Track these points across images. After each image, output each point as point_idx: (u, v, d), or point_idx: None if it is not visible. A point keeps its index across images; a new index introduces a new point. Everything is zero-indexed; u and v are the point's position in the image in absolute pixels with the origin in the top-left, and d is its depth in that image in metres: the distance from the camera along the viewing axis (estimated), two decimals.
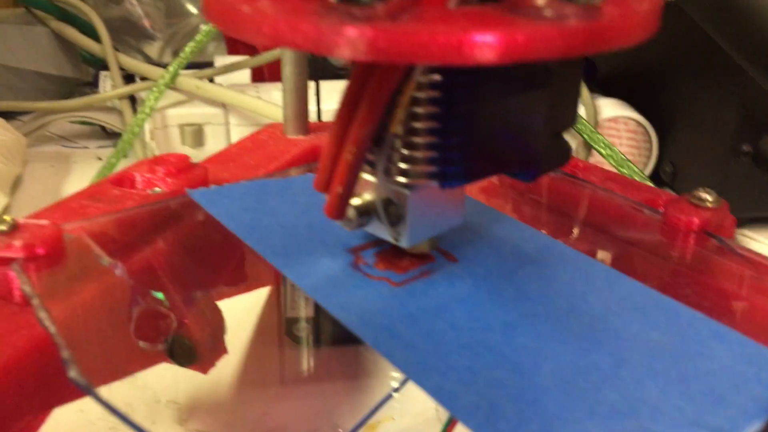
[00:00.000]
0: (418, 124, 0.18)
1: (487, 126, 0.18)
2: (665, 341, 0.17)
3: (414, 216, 0.19)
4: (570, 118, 0.20)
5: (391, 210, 0.19)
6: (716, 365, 0.17)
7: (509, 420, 0.14)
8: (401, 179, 0.19)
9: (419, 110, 0.18)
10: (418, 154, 0.18)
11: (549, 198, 0.27)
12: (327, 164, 0.18)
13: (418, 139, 0.18)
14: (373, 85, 0.16)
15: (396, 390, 0.28)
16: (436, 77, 0.17)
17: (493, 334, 0.18)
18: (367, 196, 0.19)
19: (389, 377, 0.31)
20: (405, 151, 0.18)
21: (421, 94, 0.17)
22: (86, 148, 0.57)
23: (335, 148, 0.17)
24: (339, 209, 0.18)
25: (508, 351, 0.17)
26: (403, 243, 0.19)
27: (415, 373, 0.16)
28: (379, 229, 0.20)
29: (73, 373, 0.16)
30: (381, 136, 0.18)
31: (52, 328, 0.18)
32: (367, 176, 0.19)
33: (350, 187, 0.18)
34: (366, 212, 0.19)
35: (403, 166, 0.18)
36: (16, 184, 0.49)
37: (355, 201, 0.19)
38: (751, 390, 0.16)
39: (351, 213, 0.19)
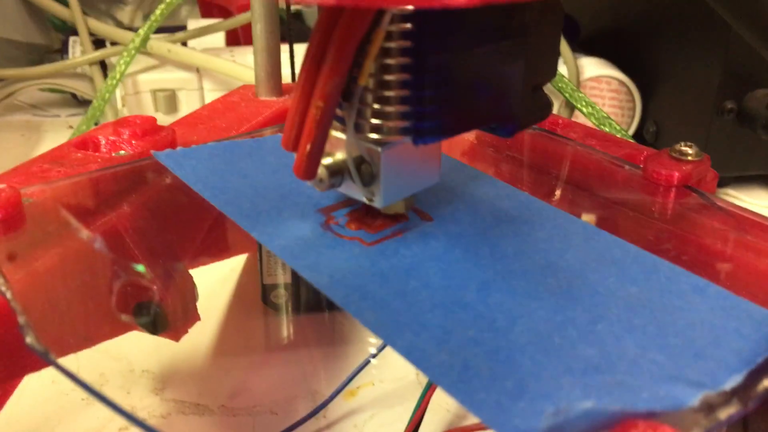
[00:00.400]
0: (389, 77, 0.17)
1: (462, 78, 0.17)
2: (644, 296, 0.17)
3: (388, 174, 0.18)
4: (550, 71, 0.19)
5: (363, 169, 0.18)
6: (696, 319, 0.16)
7: (483, 378, 0.14)
8: (373, 135, 0.18)
9: (390, 61, 0.17)
10: (390, 109, 0.17)
11: (528, 155, 0.27)
12: (294, 121, 0.17)
13: (389, 93, 0.17)
14: (339, 33, 0.15)
15: (374, 355, 0.28)
16: (407, 26, 0.16)
17: (467, 293, 0.17)
18: (339, 155, 0.18)
19: (368, 343, 0.31)
20: (376, 106, 0.17)
21: (392, 44, 0.16)
22: (57, 116, 0.56)
23: (302, 103, 0.16)
24: (308, 169, 0.17)
25: (482, 309, 0.16)
26: (378, 203, 0.19)
27: (386, 332, 0.15)
28: (353, 190, 0.19)
29: (29, 339, 0.15)
30: (351, 90, 0.17)
31: (8, 294, 0.17)
32: (337, 134, 0.18)
33: (319, 144, 0.17)
34: (338, 172, 0.18)
35: (374, 121, 0.17)
36: None
37: (326, 160, 0.18)
38: (732, 343, 0.15)
39: (322, 173, 0.18)
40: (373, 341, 0.31)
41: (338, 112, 0.18)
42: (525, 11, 0.18)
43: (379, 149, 0.18)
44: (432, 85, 0.17)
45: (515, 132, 0.19)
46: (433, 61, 0.17)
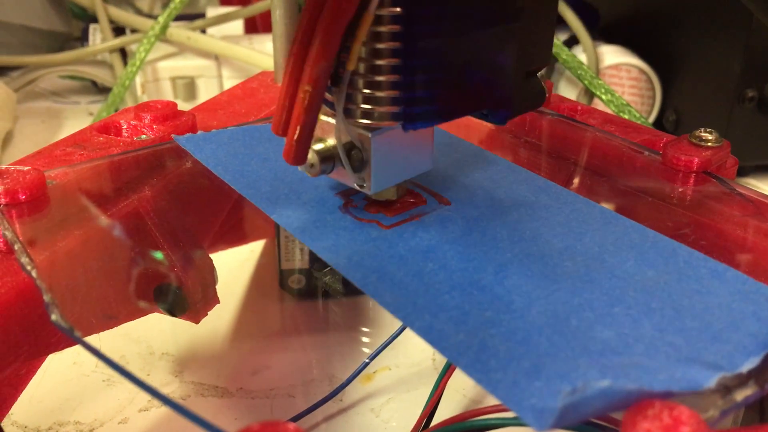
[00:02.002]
0: (378, 61, 0.17)
1: (453, 63, 0.17)
2: (662, 279, 0.17)
3: (378, 160, 0.18)
4: (544, 58, 0.19)
5: (354, 154, 0.18)
6: (713, 303, 0.16)
7: (500, 358, 0.14)
8: (363, 121, 0.18)
9: (380, 46, 0.17)
10: (380, 94, 0.17)
11: (546, 141, 0.27)
12: (283, 105, 0.16)
13: (379, 78, 0.17)
14: (326, 16, 0.15)
15: (390, 340, 0.28)
16: (396, 9, 0.16)
17: (484, 275, 0.17)
18: (330, 141, 0.18)
19: (385, 328, 0.31)
20: (366, 91, 0.17)
21: (382, 29, 0.16)
22: (77, 103, 0.57)
23: (290, 87, 0.16)
24: (298, 154, 0.17)
25: (499, 291, 0.16)
26: (368, 189, 0.18)
27: (404, 313, 0.16)
28: (344, 176, 0.19)
29: (54, 316, 0.15)
30: (340, 75, 0.17)
31: (34, 272, 0.17)
32: (328, 119, 0.18)
33: (308, 129, 0.17)
34: (329, 158, 0.18)
35: (364, 106, 0.17)
36: (6, 140, 0.49)
37: (317, 146, 0.18)
38: (749, 327, 0.15)
39: (312, 158, 0.18)
40: (391, 327, 0.31)
41: (329, 97, 0.17)
42: None
43: (370, 135, 0.18)
44: (422, 69, 0.17)
45: (508, 119, 0.19)
46: (423, 45, 0.17)
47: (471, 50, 0.17)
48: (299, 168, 0.18)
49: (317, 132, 0.17)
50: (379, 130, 0.18)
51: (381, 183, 0.19)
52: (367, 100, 0.17)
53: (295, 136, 0.17)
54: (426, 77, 0.17)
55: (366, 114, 0.18)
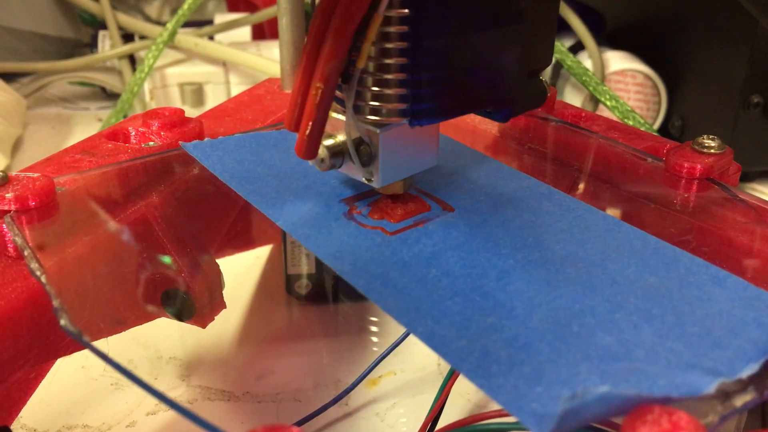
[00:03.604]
0: (387, 60, 0.18)
1: (458, 62, 0.18)
2: (663, 286, 0.17)
3: (386, 155, 0.19)
4: (545, 57, 0.20)
5: (362, 149, 0.19)
6: (714, 309, 0.16)
7: (501, 364, 0.14)
8: (372, 117, 0.18)
9: (388, 45, 0.17)
10: (388, 91, 0.18)
11: (550, 147, 0.27)
12: (295, 102, 0.17)
13: (387, 76, 0.18)
14: (338, 17, 0.16)
15: (396, 344, 0.28)
16: (404, 11, 0.17)
17: (487, 281, 0.17)
18: (340, 137, 0.19)
19: (391, 334, 0.31)
20: (375, 89, 0.18)
21: (390, 29, 0.17)
22: (86, 109, 0.57)
23: (303, 84, 0.17)
24: (309, 149, 0.18)
25: (502, 297, 0.17)
26: (376, 183, 0.19)
27: (407, 319, 0.16)
28: (353, 170, 0.20)
29: (63, 321, 0.16)
30: (350, 73, 0.18)
31: (43, 278, 0.17)
32: (338, 116, 0.19)
33: (319, 125, 0.17)
34: (339, 153, 0.19)
35: (373, 103, 0.18)
36: (16, 146, 0.49)
37: (328, 141, 0.19)
38: (750, 333, 0.16)
39: (323, 153, 0.19)
40: (396, 332, 0.31)
41: (339, 94, 0.18)
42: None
43: (378, 131, 0.18)
44: (428, 68, 0.18)
45: (510, 117, 0.20)
46: (429, 45, 0.17)
47: (475, 50, 0.18)
48: (310, 162, 0.19)
49: (327, 128, 0.18)
50: (386, 126, 0.19)
51: (388, 177, 0.19)
52: (376, 97, 0.18)
53: (307, 132, 0.17)
54: (432, 76, 0.18)
55: (374, 111, 0.18)
